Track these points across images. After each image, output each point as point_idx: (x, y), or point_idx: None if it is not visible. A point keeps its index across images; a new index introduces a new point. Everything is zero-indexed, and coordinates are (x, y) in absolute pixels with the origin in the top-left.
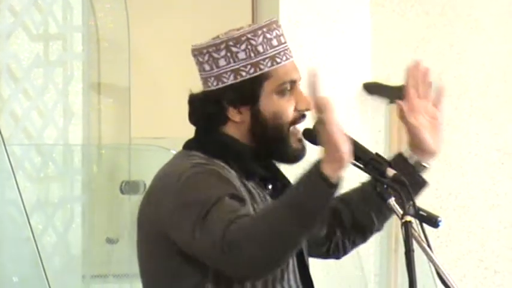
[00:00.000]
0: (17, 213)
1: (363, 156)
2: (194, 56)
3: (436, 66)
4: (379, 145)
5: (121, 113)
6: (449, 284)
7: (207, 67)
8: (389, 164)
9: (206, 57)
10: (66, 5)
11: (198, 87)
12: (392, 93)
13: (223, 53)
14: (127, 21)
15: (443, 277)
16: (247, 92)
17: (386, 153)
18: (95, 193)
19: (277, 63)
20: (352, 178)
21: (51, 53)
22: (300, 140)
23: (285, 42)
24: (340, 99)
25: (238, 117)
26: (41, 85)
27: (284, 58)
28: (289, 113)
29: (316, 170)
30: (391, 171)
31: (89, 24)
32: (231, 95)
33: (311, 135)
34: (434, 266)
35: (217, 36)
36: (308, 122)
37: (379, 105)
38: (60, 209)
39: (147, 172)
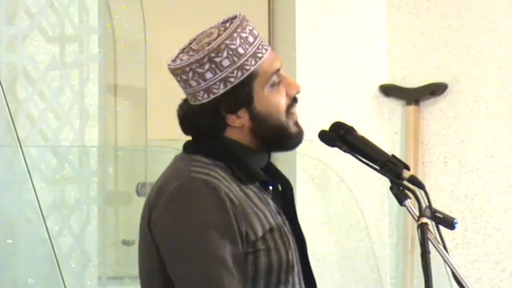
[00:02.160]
0: (33, 214)
1: (379, 158)
2: (175, 75)
3: (452, 68)
4: (395, 147)
5: (137, 114)
6: (465, 286)
7: (193, 83)
8: (406, 166)
9: (190, 74)
10: (83, 7)
11: None
12: (408, 95)
13: (207, 66)
14: (143, 22)
15: (460, 279)
16: (241, 96)
17: (403, 155)
18: (111, 195)
19: (260, 58)
20: (368, 179)
21: (68, 55)
22: (296, 123)
23: (258, 34)
24: (356, 101)
25: (238, 122)
26: (57, 87)
27: (263, 51)
28: (283, 102)
29: None
30: (407, 173)
31: (105, 25)
32: (226, 103)
33: (327, 138)
34: (451, 268)
35: (189, 46)
36: (322, 124)
37: (395, 107)
38: (76, 211)
39: None
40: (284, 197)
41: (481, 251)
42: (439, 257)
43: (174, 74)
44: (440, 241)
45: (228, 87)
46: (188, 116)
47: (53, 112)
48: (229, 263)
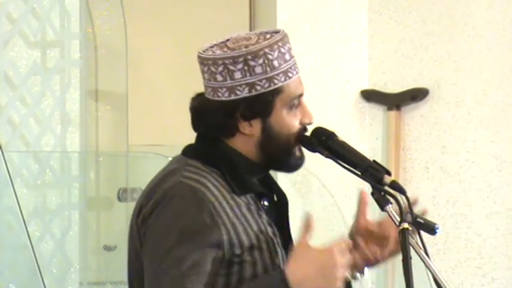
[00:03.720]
0: (15, 220)
1: (360, 164)
2: (204, 64)
3: (433, 73)
4: (376, 152)
5: (118, 120)
6: None
7: (219, 77)
8: (387, 171)
9: (220, 68)
10: (64, 12)
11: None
12: (390, 101)
13: (240, 66)
14: (124, 28)
15: (441, 284)
16: (261, 106)
17: (384, 161)
18: (92, 200)
19: (289, 77)
20: (349, 184)
21: (49, 60)
22: (300, 150)
23: (293, 55)
24: (338, 107)
25: (248, 130)
26: (38, 92)
27: (294, 72)
28: (296, 126)
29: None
30: (388, 178)
31: (87, 31)
32: (244, 108)
33: (308, 143)
34: (432, 273)
35: (224, 42)
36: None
37: (377, 113)
38: (58, 216)
39: (144, 179)
40: (278, 209)
41: (462, 256)
42: (421, 262)
43: (202, 64)
44: (421, 246)
45: (251, 94)
46: (204, 109)
47: (34, 117)
48: (204, 268)
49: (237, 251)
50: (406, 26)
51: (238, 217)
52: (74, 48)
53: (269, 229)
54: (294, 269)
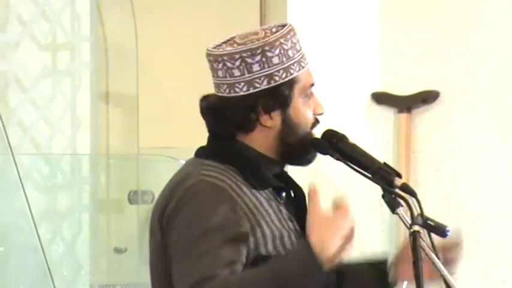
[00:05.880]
0: (25, 222)
1: (371, 166)
2: (219, 61)
3: (444, 76)
4: (387, 155)
5: (129, 122)
6: None
7: (237, 73)
8: (398, 173)
9: (238, 62)
10: (74, 15)
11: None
12: (400, 103)
13: (258, 58)
14: (135, 30)
15: (451, 287)
16: (280, 97)
17: (395, 163)
18: (103, 203)
19: (302, 67)
20: (360, 187)
21: (59, 63)
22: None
23: (302, 47)
24: (348, 109)
25: (269, 122)
26: (49, 95)
27: (306, 62)
28: (311, 117)
29: (312, 253)
30: (399, 181)
31: (97, 33)
32: (265, 100)
33: (319, 146)
34: (442, 276)
35: (231, 40)
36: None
37: (387, 115)
38: (68, 219)
39: (155, 182)
40: (297, 204)
41: (473, 258)
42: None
43: (216, 61)
44: (432, 249)
45: (270, 85)
46: (221, 107)
47: (45, 120)
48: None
49: (261, 246)
50: (417, 28)
51: (260, 212)
52: (85, 51)
53: (290, 224)
54: (315, 235)
